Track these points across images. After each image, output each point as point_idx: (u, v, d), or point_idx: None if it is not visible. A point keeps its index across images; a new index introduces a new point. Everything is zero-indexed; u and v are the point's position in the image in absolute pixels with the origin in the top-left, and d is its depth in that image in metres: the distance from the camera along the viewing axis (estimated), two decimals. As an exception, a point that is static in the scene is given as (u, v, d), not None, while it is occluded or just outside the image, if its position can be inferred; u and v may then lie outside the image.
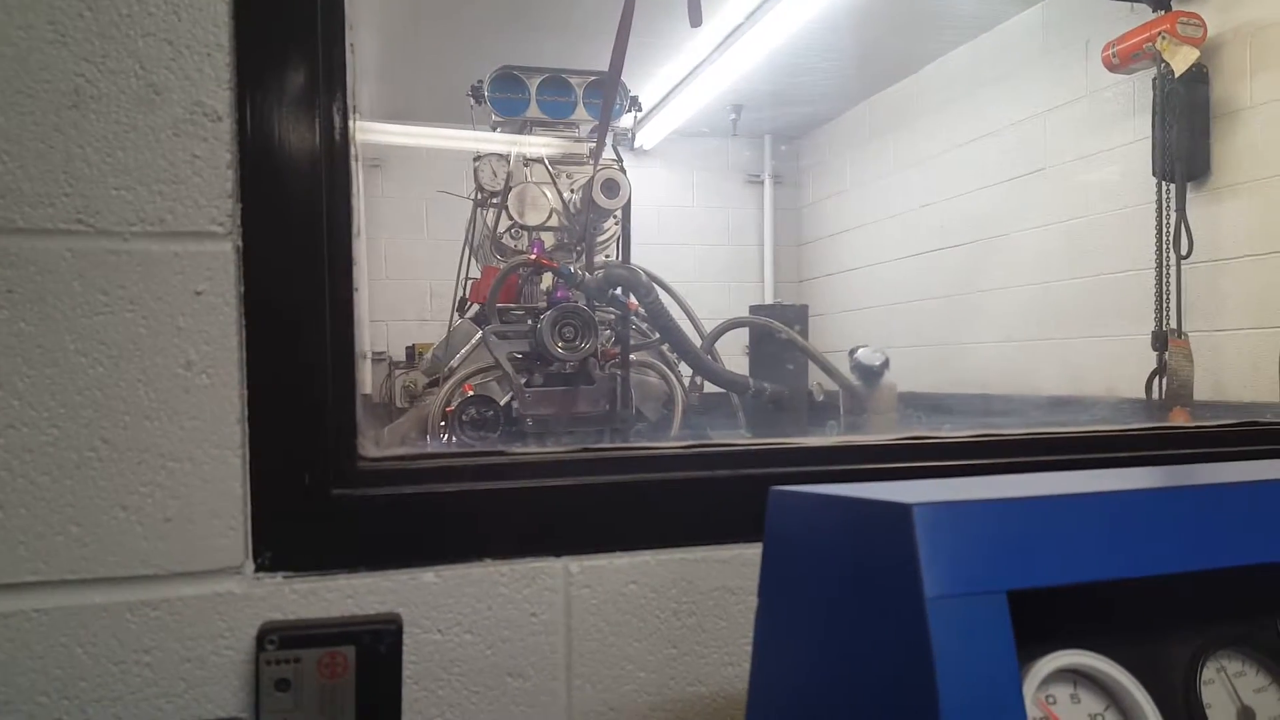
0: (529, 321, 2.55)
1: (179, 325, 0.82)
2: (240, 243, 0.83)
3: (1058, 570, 0.59)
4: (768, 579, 0.73)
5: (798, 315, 2.84)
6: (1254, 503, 0.66)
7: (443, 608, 0.90)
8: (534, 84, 3.01)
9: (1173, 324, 3.12)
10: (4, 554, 0.79)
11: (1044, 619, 0.61)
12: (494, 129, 3.14)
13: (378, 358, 5.22)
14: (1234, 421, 1.25)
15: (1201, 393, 3.08)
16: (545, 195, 2.93)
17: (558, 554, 0.93)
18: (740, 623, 0.98)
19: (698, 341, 2.63)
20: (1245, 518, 0.65)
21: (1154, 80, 3.18)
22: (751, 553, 0.97)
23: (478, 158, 3.03)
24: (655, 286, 2.54)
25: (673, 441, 1.03)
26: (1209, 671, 0.67)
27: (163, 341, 0.82)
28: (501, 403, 2.41)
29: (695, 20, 2.38)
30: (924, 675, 0.54)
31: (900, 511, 0.57)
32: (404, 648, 0.87)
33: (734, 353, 3.05)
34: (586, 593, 0.94)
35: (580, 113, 3.04)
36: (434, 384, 2.89)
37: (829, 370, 2.58)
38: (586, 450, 0.99)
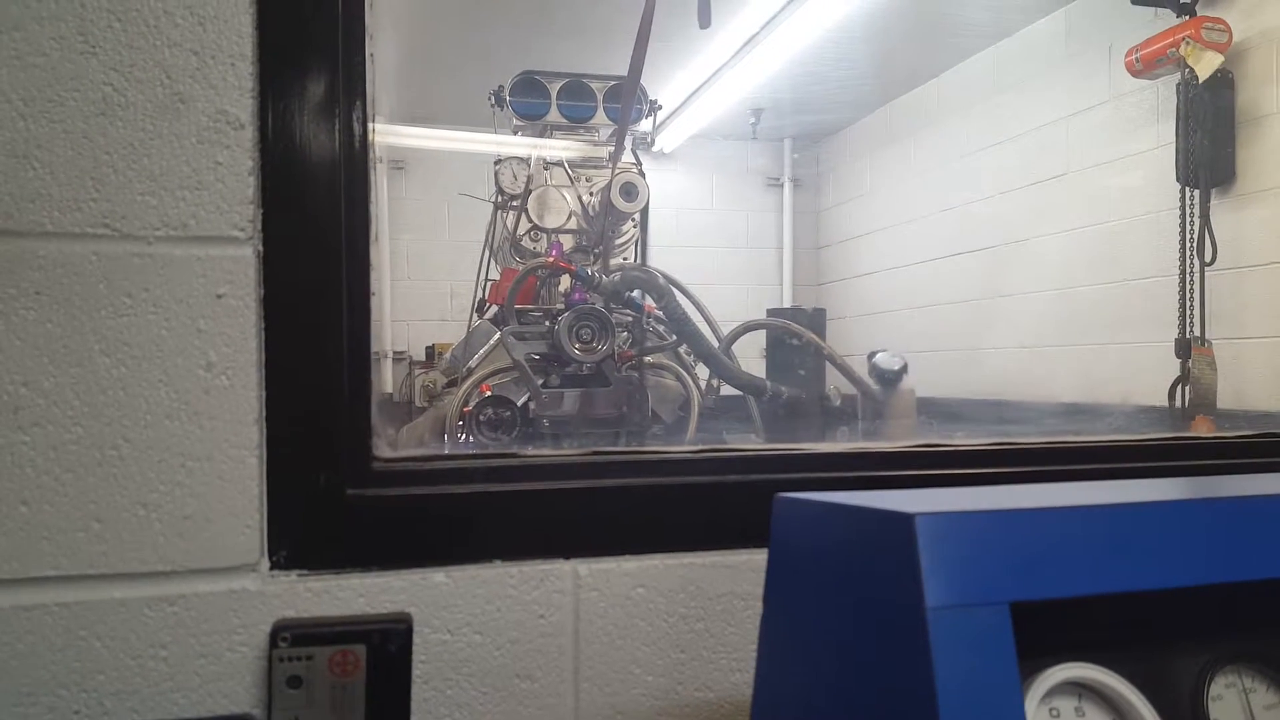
0: (546, 323, 2.56)
1: (200, 327, 0.84)
2: (261, 247, 0.85)
3: (1063, 582, 0.59)
4: (772, 586, 0.73)
5: (815, 319, 2.82)
6: (1265, 517, 0.66)
7: (453, 608, 0.91)
8: (554, 88, 3.02)
9: (1196, 331, 3.09)
10: (27, 548, 0.81)
11: (1049, 631, 0.61)
12: (515, 132, 3.15)
13: (398, 357, 5.26)
14: (1254, 432, 1.23)
15: (1224, 401, 3.05)
16: (564, 198, 2.93)
17: (567, 556, 0.94)
18: (748, 629, 0.99)
19: (715, 344, 2.63)
20: (1256, 531, 0.65)
21: (1178, 85, 3.16)
22: (760, 559, 0.96)
23: (498, 161, 3.04)
24: (672, 289, 2.55)
25: (684, 446, 1.04)
26: (1217, 687, 0.66)
27: (184, 343, 0.83)
28: (519, 403, 2.42)
29: (704, 22, 2.38)
30: (924, 685, 0.54)
31: (903, 521, 0.58)
32: (414, 647, 0.88)
33: (751, 355, 3.04)
34: (595, 596, 0.95)
35: (600, 117, 3.05)
36: (453, 384, 2.90)
37: (847, 374, 2.57)
38: (597, 453, 1.00)
